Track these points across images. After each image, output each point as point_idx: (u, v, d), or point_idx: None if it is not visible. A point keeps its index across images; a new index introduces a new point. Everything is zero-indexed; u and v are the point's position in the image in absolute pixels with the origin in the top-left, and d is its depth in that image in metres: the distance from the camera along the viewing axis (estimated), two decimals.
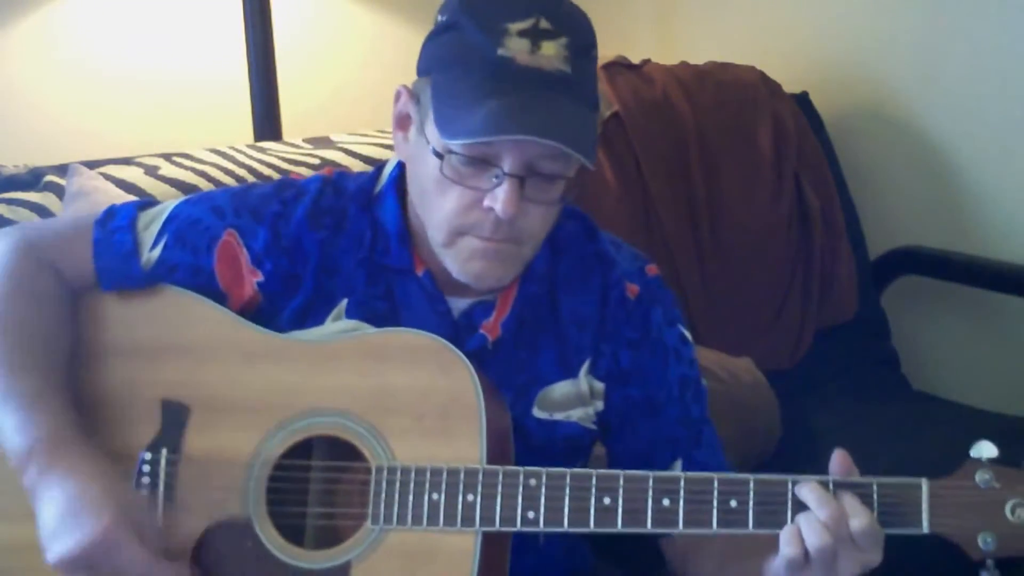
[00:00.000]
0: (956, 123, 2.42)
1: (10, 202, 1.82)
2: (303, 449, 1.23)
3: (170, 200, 1.37)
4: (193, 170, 1.96)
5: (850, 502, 1.10)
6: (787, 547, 1.09)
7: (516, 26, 1.15)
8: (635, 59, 2.44)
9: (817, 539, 1.08)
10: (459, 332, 1.28)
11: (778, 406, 2.05)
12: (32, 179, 1.89)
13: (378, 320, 1.28)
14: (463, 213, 1.19)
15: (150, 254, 1.31)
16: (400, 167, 1.32)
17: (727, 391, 2.05)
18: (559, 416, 1.31)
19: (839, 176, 2.49)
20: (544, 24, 1.16)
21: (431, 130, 1.18)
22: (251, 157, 2.04)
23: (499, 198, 1.16)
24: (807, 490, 1.11)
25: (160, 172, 1.94)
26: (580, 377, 1.32)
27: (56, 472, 1.16)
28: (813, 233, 2.39)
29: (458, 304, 1.30)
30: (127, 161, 1.97)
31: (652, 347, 1.33)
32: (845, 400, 2.25)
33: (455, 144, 1.15)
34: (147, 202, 1.38)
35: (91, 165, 1.91)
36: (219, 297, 1.30)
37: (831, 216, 2.42)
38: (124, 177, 1.91)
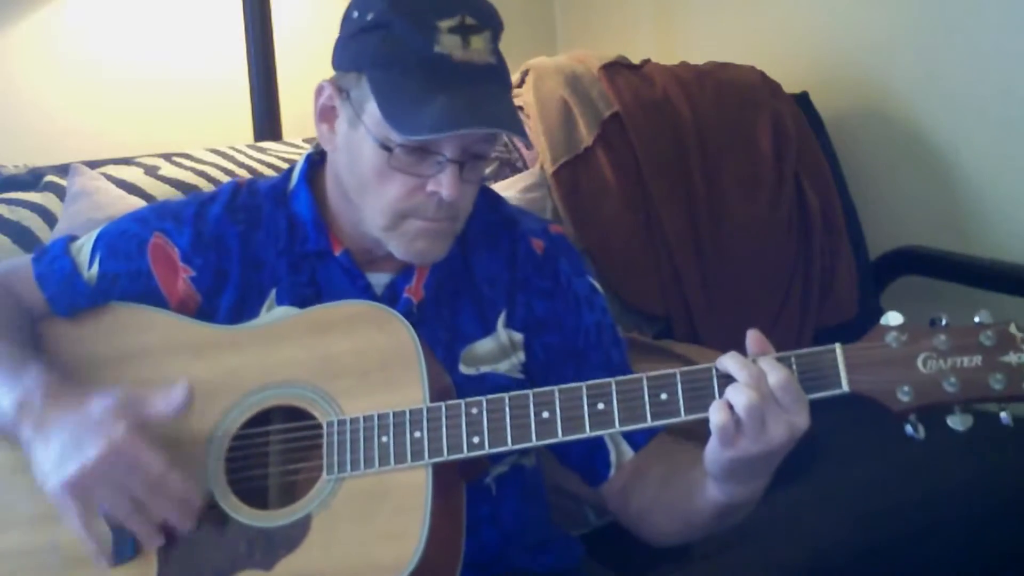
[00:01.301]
0: (956, 123, 2.42)
1: (10, 202, 1.82)
2: (260, 422, 1.28)
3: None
4: (193, 170, 1.96)
5: (767, 362, 1.15)
6: (716, 415, 1.13)
7: (446, 23, 1.23)
8: (635, 59, 2.45)
9: (743, 398, 1.12)
10: (384, 304, 1.33)
11: None
12: (32, 179, 1.90)
13: (306, 306, 1.33)
14: (407, 198, 1.27)
15: (90, 272, 1.38)
16: (308, 163, 1.41)
17: None
18: (485, 369, 1.37)
19: (839, 176, 2.49)
20: (470, 20, 1.24)
21: (373, 124, 1.26)
22: (251, 157, 2.04)
23: (444, 183, 1.25)
24: (728, 359, 1.16)
25: (160, 172, 1.94)
26: (499, 330, 1.38)
27: (58, 409, 1.21)
28: (813, 233, 2.39)
29: (379, 279, 1.37)
30: (127, 161, 1.98)
31: (564, 295, 1.40)
32: (845, 400, 2.25)
33: (413, 139, 1.23)
34: (74, 236, 1.45)
35: (91, 165, 1.92)
36: (161, 298, 1.37)
37: (831, 216, 2.42)
38: (124, 177, 1.91)
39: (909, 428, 1.13)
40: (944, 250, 2.44)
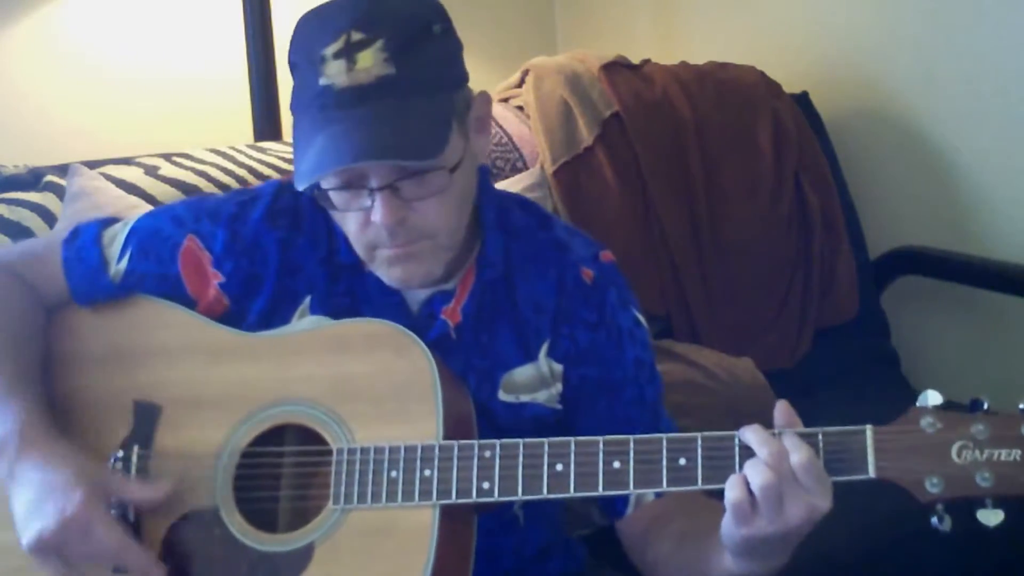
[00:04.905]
0: (956, 123, 2.42)
1: (10, 202, 1.82)
2: (270, 439, 1.26)
3: (131, 215, 1.42)
4: (193, 170, 1.96)
5: (790, 440, 1.09)
6: (731, 491, 1.09)
7: (331, 49, 1.16)
8: (635, 59, 2.44)
9: (760, 477, 1.07)
10: (419, 322, 1.30)
11: None
12: (32, 179, 1.89)
13: (340, 316, 1.31)
14: (362, 232, 1.23)
15: (117, 267, 1.35)
16: None
17: (727, 391, 2.05)
18: (525, 398, 1.33)
19: (839, 176, 2.49)
20: (356, 36, 1.16)
21: None
22: (251, 157, 2.04)
23: (377, 212, 1.19)
24: (750, 432, 1.11)
25: (160, 172, 1.94)
26: (540, 360, 1.34)
27: (28, 461, 1.20)
28: (813, 233, 2.39)
29: (417, 296, 1.33)
30: (127, 161, 1.97)
31: (607, 329, 1.34)
32: (845, 400, 2.25)
33: (302, 188, 1.18)
34: (110, 219, 1.42)
35: (91, 165, 1.92)
36: (189, 302, 1.34)
37: (831, 216, 2.42)
38: (124, 177, 1.91)
39: (935, 520, 1.08)
40: (944, 250, 2.43)
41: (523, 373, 1.33)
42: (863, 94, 2.56)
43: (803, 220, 2.40)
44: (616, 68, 2.38)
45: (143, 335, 1.33)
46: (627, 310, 1.37)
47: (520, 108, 2.33)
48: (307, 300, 1.33)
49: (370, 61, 1.15)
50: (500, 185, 2.11)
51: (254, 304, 1.33)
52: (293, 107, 1.23)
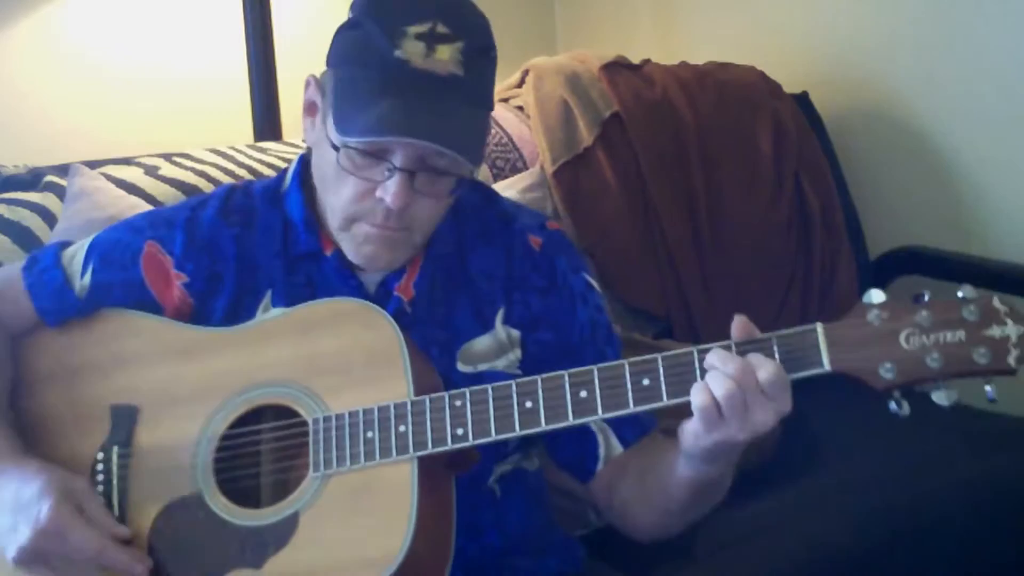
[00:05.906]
0: (956, 123, 2.42)
1: (10, 202, 1.82)
2: (248, 423, 1.29)
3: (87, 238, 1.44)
4: (193, 170, 1.96)
5: (754, 356, 1.14)
6: (697, 397, 1.13)
7: (414, 29, 1.21)
8: (635, 59, 2.45)
9: (722, 388, 1.11)
10: (376, 302, 1.33)
11: None
12: (32, 179, 1.90)
13: None
14: (357, 201, 1.27)
15: (82, 282, 1.38)
16: (302, 162, 1.40)
17: None
18: (483, 367, 1.36)
19: (839, 176, 2.49)
20: (441, 28, 1.21)
21: (330, 123, 1.26)
22: (251, 157, 2.04)
23: (389, 190, 1.23)
24: (712, 355, 1.15)
25: (160, 172, 1.94)
26: (497, 327, 1.37)
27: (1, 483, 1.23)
28: (813, 233, 2.39)
29: (372, 278, 1.36)
30: (127, 161, 1.98)
31: (559, 293, 1.39)
32: (845, 399, 2.25)
33: (349, 140, 1.22)
34: (66, 242, 1.44)
35: (91, 165, 1.92)
36: (155, 307, 1.37)
37: (831, 216, 2.42)
38: (124, 177, 1.91)
39: (893, 405, 1.13)
40: (944, 250, 2.44)
41: (481, 343, 1.36)
42: (863, 94, 2.57)
43: (803, 220, 2.40)
44: (616, 68, 2.38)
45: (115, 345, 1.35)
46: (578, 275, 1.41)
47: (520, 108, 2.33)
48: (268, 294, 1.36)
49: (447, 56, 1.21)
50: (500, 185, 2.11)
51: (217, 302, 1.36)
52: (340, 60, 1.27)
